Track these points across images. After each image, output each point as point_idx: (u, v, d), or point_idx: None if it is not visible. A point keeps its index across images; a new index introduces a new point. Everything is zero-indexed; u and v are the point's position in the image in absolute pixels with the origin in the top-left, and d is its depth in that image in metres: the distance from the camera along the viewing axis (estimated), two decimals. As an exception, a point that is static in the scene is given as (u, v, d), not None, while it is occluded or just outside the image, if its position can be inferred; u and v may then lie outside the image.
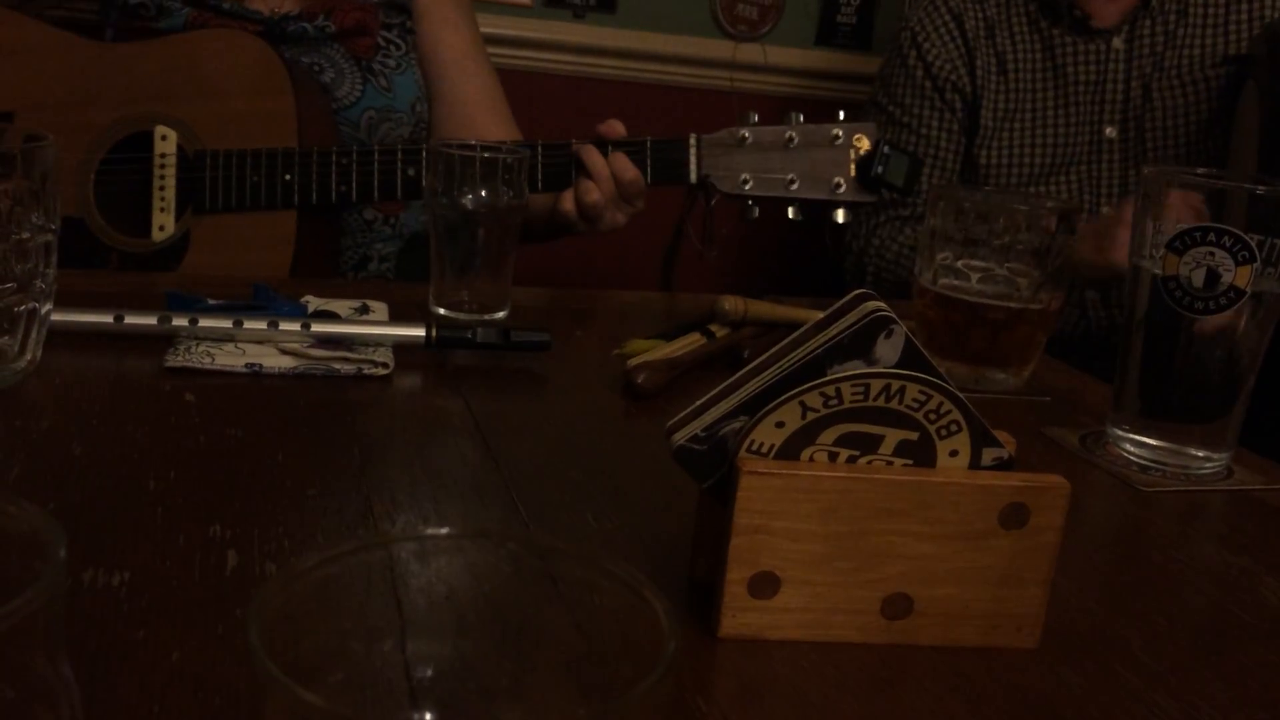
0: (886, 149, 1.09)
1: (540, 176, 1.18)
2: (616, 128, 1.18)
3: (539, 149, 1.18)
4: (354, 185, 1.19)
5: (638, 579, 0.27)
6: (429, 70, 1.42)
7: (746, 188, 1.14)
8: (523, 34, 1.88)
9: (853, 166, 1.13)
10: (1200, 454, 0.79)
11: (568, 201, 1.18)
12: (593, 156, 1.16)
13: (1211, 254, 0.74)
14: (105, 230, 1.19)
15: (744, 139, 1.15)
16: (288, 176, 1.18)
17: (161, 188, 1.18)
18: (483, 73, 1.46)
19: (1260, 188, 0.74)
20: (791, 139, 1.13)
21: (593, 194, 1.16)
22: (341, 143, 1.30)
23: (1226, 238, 0.73)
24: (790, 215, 1.15)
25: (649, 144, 1.18)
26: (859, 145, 1.12)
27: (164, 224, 1.19)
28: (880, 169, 1.09)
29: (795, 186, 1.13)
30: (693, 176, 1.16)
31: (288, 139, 1.20)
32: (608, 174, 1.16)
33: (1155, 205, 0.78)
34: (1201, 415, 0.80)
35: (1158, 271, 0.77)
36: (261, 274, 1.14)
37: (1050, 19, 1.60)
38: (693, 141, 1.16)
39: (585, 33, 2.06)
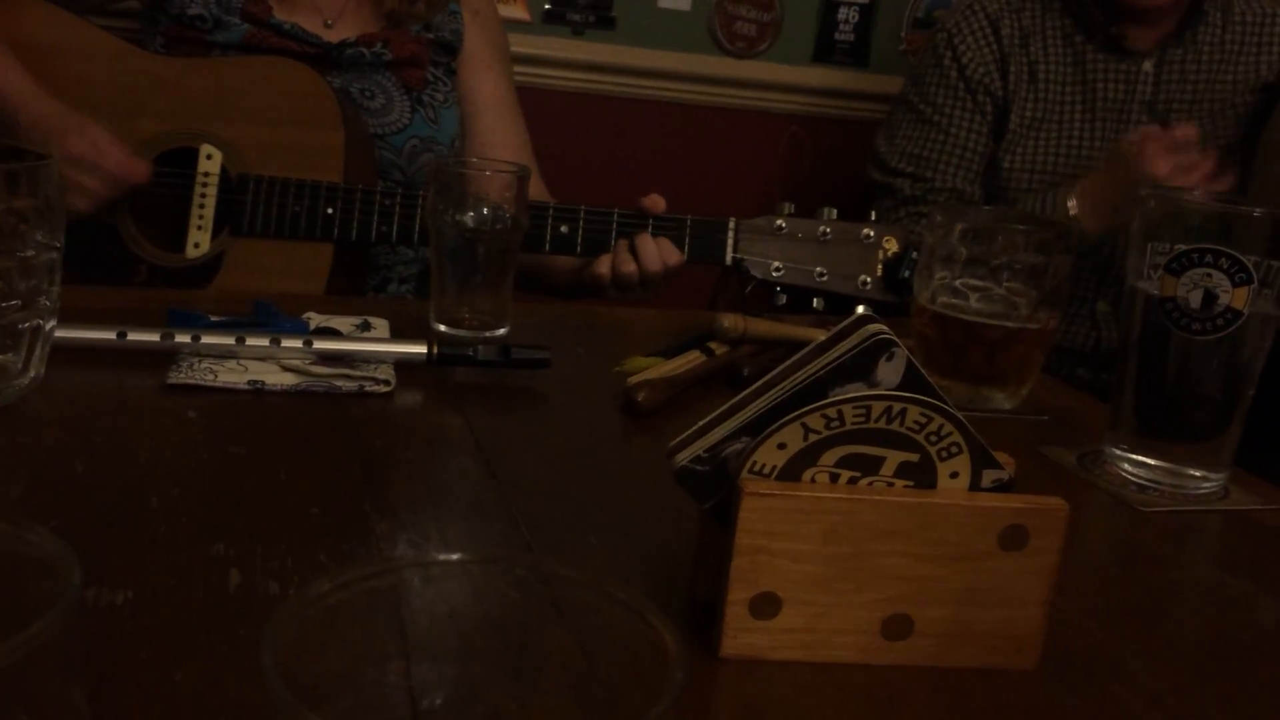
0: (915, 254, 1.12)
1: (580, 241, 1.19)
2: (658, 203, 1.20)
3: (582, 214, 1.19)
4: (395, 227, 1.20)
5: (644, 604, 0.28)
6: (464, 111, 1.44)
7: (777, 275, 1.17)
8: (522, 50, 1.89)
9: (880, 266, 1.16)
10: (1197, 474, 0.80)
11: (604, 265, 1.19)
12: (645, 242, 1.18)
13: (1209, 275, 0.75)
14: (138, 240, 1.20)
15: (780, 228, 1.18)
16: (330, 211, 1.19)
17: (201, 206, 1.19)
18: (515, 122, 1.49)
19: (1257, 210, 0.74)
20: (825, 233, 1.17)
21: (629, 265, 1.18)
22: (381, 177, 1.31)
23: (1224, 259, 0.74)
24: (815, 305, 1.18)
25: (689, 223, 1.19)
26: (888, 246, 1.16)
27: (199, 242, 1.19)
28: (908, 273, 1.12)
29: (824, 279, 1.17)
30: (728, 258, 1.18)
31: (332, 173, 1.21)
32: (655, 255, 1.18)
33: (1152, 225, 0.78)
34: (1198, 435, 0.80)
35: (1155, 292, 0.77)
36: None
37: (1085, 35, 1.63)
38: (731, 225, 1.19)
39: (584, 49, 2.07)
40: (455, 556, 0.28)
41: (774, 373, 0.52)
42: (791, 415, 0.50)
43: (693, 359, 0.93)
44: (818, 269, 1.16)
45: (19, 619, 0.24)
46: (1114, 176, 1.48)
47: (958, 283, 0.93)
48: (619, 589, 0.28)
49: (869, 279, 1.16)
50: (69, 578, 0.25)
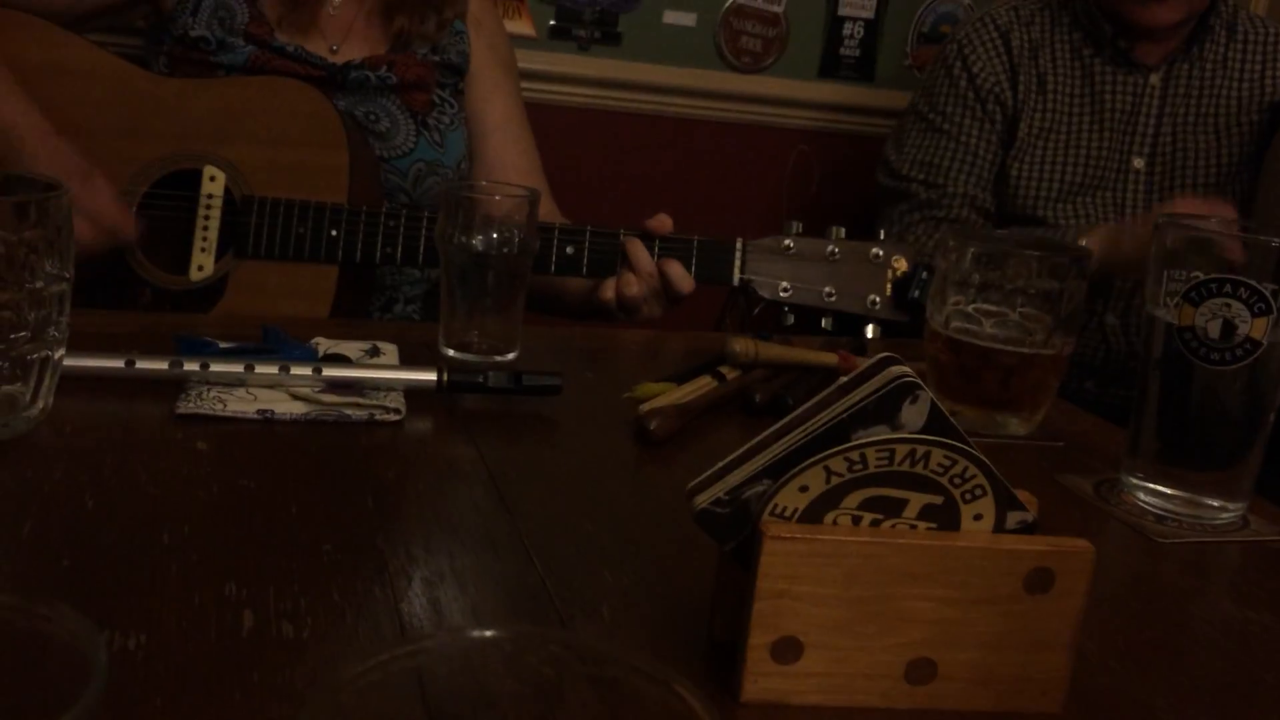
0: (925, 274, 1.12)
1: (586, 262, 1.19)
2: (665, 223, 1.18)
3: (588, 235, 1.19)
4: (399, 248, 1.19)
5: (680, 682, 0.27)
6: (474, 131, 1.43)
7: (785, 295, 1.16)
8: (528, 66, 1.88)
9: (889, 285, 1.16)
10: (1215, 504, 0.79)
11: (608, 290, 1.18)
12: (639, 251, 1.17)
13: (1228, 305, 0.74)
14: (142, 263, 1.19)
15: (788, 248, 1.17)
16: (334, 232, 1.18)
17: (205, 228, 1.18)
18: (525, 141, 1.47)
19: (1275, 240, 0.74)
20: (833, 253, 1.16)
21: (633, 287, 1.17)
22: (386, 199, 1.30)
23: (1243, 289, 0.73)
24: (824, 325, 1.18)
25: (696, 243, 1.18)
26: (896, 266, 1.15)
27: (203, 264, 1.19)
28: (917, 292, 1.11)
29: (833, 299, 1.16)
30: (736, 279, 1.18)
31: (337, 194, 1.21)
32: (652, 270, 1.17)
33: (1169, 253, 0.78)
34: (1217, 464, 0.80)
35: (1173, 322, 0.77)
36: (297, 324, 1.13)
37: (1093, 49, 1.64)
38: (739, 245, 1.18)
39: (590, 65, 2.07)
40: (489, 633, 0.28)
41: (796, 414, 0.52)
42: (814, 458, 0.49)
43: (704, 384, 0.92)
44: (826, 289, 1.16)
45: (44, 703, 0.24)
46: (1141, 234, 1.46)
47: (971, 308, 0.92)
48: (655, 667, 0.27)
49: (878, 299, 1.16)
50: (95, 662, 0.25)
